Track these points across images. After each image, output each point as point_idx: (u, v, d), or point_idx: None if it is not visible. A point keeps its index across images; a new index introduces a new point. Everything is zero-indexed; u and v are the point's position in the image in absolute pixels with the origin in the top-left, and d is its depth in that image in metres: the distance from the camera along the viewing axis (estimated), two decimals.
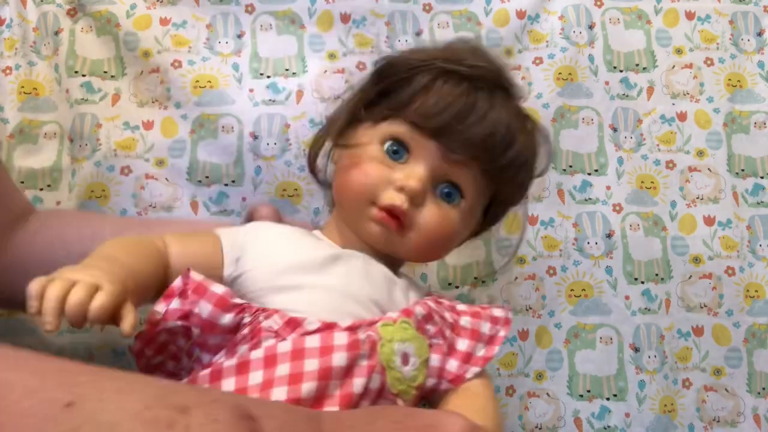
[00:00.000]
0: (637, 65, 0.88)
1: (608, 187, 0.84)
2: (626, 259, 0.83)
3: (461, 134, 0.53)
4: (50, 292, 0.40)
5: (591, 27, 0.87)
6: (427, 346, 0.51)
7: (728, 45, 0.89)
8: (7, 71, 0.78)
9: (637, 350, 0.80)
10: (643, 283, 0.82)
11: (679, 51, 0.88)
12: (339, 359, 0.46)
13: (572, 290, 0.82)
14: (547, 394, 0.80)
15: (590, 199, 0.84)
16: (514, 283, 0.81)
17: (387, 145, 0.56)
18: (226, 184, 0.80)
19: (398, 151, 0.56)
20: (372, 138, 0.57)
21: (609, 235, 0.83)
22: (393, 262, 0.59)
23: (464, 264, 0.81)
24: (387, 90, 0.58)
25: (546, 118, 0.84)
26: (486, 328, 0.54)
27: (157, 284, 0.51)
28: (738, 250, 0.84)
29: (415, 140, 0.55)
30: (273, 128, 0.81)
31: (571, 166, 0.85)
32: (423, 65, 0.57)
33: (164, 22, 0.82)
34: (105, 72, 0.81)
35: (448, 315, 0.54)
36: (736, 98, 0.88)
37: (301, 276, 0.53)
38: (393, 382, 0.48)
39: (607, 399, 0.80)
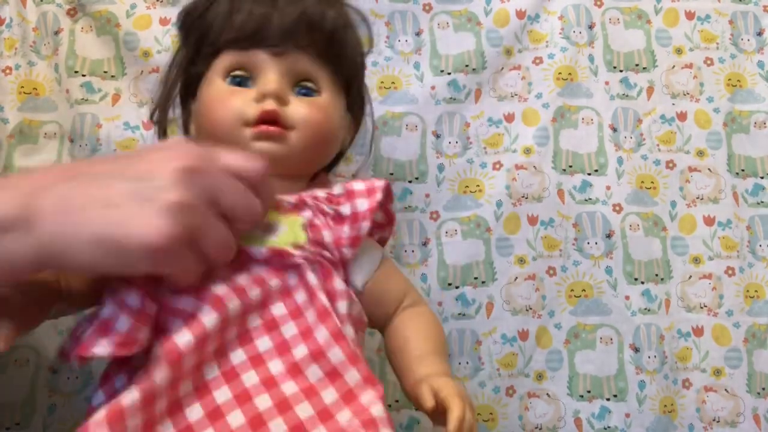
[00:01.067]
0: (637, 65, 0.88)
1: (608, 187, 0.84)
2: (626, 260, 0.83)
3: (278, 30, 0.55)
4: None
5: (591, 27, 0.87)
6: (299, 218, 0.51)
7: (728, 45, 0.89)
8: (7, 71, 0.78)
9: (637, 350, 0.80)
10: (643, 283, 0.82)
11: (679, 51, 0.88)
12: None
13: (572, 290, 0.82)
14: (547, 394, 0.80)
15: (590, 199, 0.84)
16: (514, 283, 0.81)
17: (228, 79, 0.57)
18: None
19: (240, 79, 0.56)
20: (211, 80, 0.57)
21: (609, 235, 0.83)
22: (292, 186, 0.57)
23: (464, 264, 0.81)
24: (199, 37, 0.60)
25: (546, 118, 0.84)
26: (361, 186, 0.53)
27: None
28: (738, 251, 0.84)
29: (247, 59, 0.56)
30: None
31: (570, 166, 0.85)
32: None
33: (164, 22, 0.82)
34: (105, 72, 0.81)
35: (321, 194, 0.54)
36: (736, 98, 0.88)
37: None
38: (254, 244, 0.48)
39: (607, 399, 0.80)
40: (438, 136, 0.84)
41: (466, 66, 0.85)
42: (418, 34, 0.86)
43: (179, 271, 0.42)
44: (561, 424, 0.79)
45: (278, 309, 0.47)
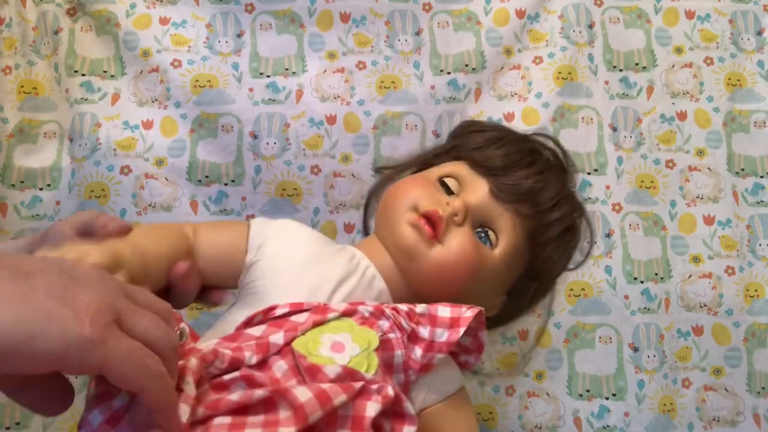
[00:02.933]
0: (637, 64, 0.88)
1: (608, 187, 0.84)
2: (626, 259, 0.83)
3: (513, 179, 0.55)
4: None
5: (591, 26, 0.87)
6: (376, 337, 0.47)
7: (728, 44, 0.89)
8: (7, 70, 0.78)
9: (636, 350, 0.80)
10: (642, 282, 0.82)
11: (678, 50, 0.88)
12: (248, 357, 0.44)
13: (572, 290, 0.82)
14: (547, 393, 0.80)
15: (590, 198, 0.84)
16: None
17: (442, 179, 0.58)
18: (226, 184, 0.80)
19: (450, 187, 0.57)
20: (430, 172, 0.60)
21: (608, 235, 0.83)
22: (398, 297, 0.55)
23: None
24: (456, 145, 0.63)
25: (546, 117, 0.84)
26: (446, 312, 0.49)
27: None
28: (738, 250, 0.84)
29: (469, 178, 0.57)
30: (273, 127, 0.81)
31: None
32: (493, 129, 0.62)
33: (164, 21, 0.82)
34: (105, 71, 0.81)
35: (403, 308, 0.51)
36: (736, 97, 0.87)
37: (305, 273, 0.53)
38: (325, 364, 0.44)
39: (607, 398, 0.80)
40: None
41: (466, 65, 0.85)
42: (417, 33, 0.85)
43: (123, 364, 0.33)
44: (560, 423, 0.79)
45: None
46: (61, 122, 0.79)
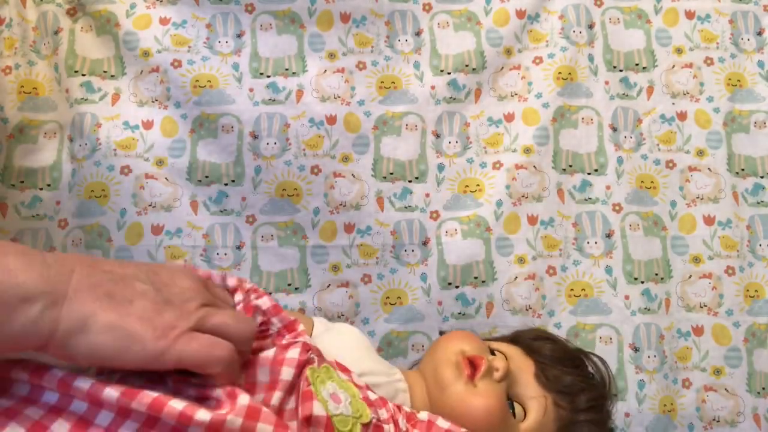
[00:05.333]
0: (637, 65, 0.88)
1: (608, 187, 0.84)
2: (626, 259, 0.83)
3: (559, 371, 0.60)
4: None
5: (591, 26, 0.87)
6: (369, 415, 0.49)
7: (728, 44, 0.89)
8: (7, 71, 0.78)
9: (636, 350, 0.80)
10: (642, 282, 0.82)
11: (679, 50, 0.88)
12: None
13: (572, 290, 0.82)
14: None
15: (590, 198, 0.84)
16: (513, 282, 0.81)
17: (493, 349, 0.63)
18: (226, 184, 0.80)
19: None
20: (486, 341, 0.65)
21: (609, 235, 0.83)
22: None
23: (464, 264, 0.81)
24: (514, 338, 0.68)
25: (546, 117, 0.84)
26: (445, 424, 0.53)
27: None
28: (738, 250, 0.84)
29: (518, 357, 0.61)
30: (273, 128, 0.81)
31: (570, 166, 0.85)
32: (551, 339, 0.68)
33: (164, 21, 0.82)
34: (105, 71, 0.81)
35: (406, 409, 0.54)
36: (736, 98, 0.88)
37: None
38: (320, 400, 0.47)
39: None
40: (438, 136, 0.84)
41: (466, 66, 0.85)
42: (418, 33, 0.85)
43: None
44: None
45: None
46: (61, 122, 0.79)
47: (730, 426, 0.80)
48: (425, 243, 0.82)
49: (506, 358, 0.61)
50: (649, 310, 0.82)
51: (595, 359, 0.68)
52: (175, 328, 0.42)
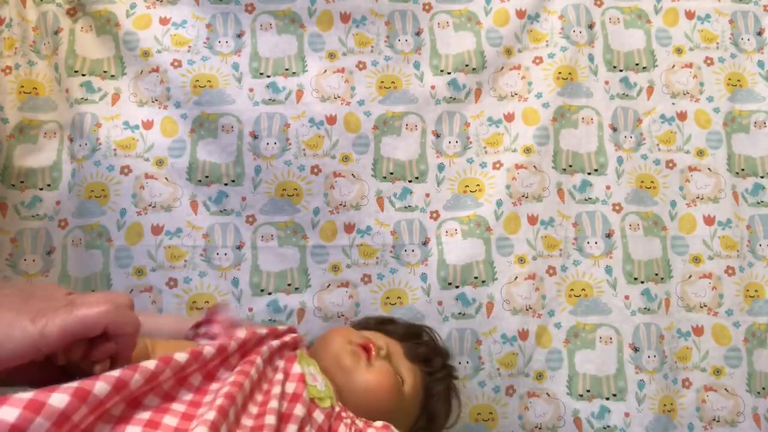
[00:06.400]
0: (637, 65, 0.88)
1: (608, 187, 0.84)
2: (626, 259, 0.83)
3: (415, 347, 0.70)
4: None
5: (591, 26, 0.87)
6: (333, 396, 0.58)
7: (728, 44, 0.89)
8: (7, 71, 0.78)
9: (636, 350, 0.80)
10: (642, 282, 0.82)
11: (679, 50, 0.88)
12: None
13: (572, 290, 0.82)
14: (547, 393, 0.80)
15: (590, 198, 0.84)
16: (513, 283, 0.81)
17: (366, 336, 0.69)
18: (226, 184, 0.80)
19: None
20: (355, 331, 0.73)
21: (609, 235, 0.83)
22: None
23: (464, 263, 0.81)
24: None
25: (546, 117, 0.84)
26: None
27: None
28: (738, 250, 0.84)
29: (383, 338, 0.70)
30: (273, 128, 0.81)
31: (570, 166, 0.85)
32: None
33: (164, 21, 0.82)
34: (105, 71, 0.81)
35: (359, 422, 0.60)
36: (736, 98, 0.87)
37: None
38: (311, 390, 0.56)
39: (607, 399, 0.80)
40: (438, 136, 0.84)
41: (466, 65, 0.85)
42: (418, 33, 0.85)
43: None
44: (560, 423, 0.79)
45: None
46: (61, 122, 0.79)
47: (730, 426, 0.80)
48: (425, 243, 0.82)
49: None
50: (649, 310, 0.82)
51: (427, 328, 0.78)
52: (46, 309, 0.44)
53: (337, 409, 0.58)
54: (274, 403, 0.51)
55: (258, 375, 0.53)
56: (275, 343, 0.59)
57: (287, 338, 0.61)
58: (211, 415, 0.44)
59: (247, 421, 0.48)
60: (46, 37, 0.80)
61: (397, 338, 0.71)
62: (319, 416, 0.55)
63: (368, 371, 0.64)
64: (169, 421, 0.44)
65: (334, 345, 0.67)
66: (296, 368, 0.57)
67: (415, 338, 0.74)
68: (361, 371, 0.64)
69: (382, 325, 0.75)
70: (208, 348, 0.51)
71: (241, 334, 0.56)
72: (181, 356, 0.48)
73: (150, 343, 0.55)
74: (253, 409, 0.50)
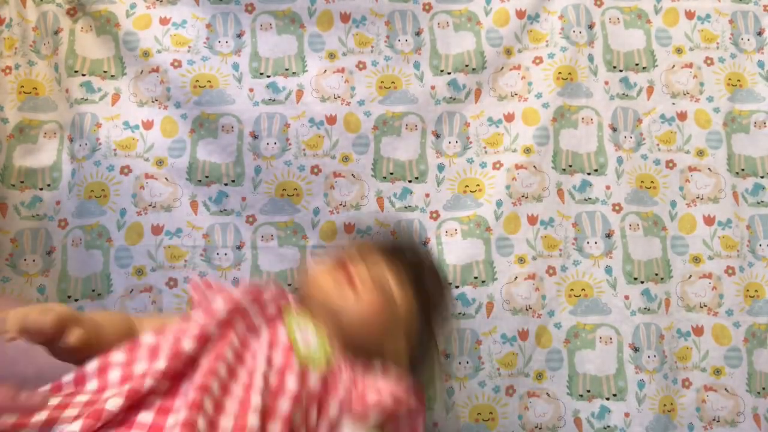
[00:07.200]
0: (637, 65, 0.88)
1: (608, 187, 0.84)
2: (626, 259, 0.83)
3: (399, 252, 0.67)
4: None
5: (591, 26, 0.87)
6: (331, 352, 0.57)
7: (728, 44, 0.89)
8: (7, 71, 0.78)
9: (636, 350, 0.80)
10: (642, 282, 0.82)
11: (679, 50, 0.88)
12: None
13: (572, 290, 0.82)
14: (547, 393, 0.80)
15: (590, 198, 0.84)
16: (514, 283, 0.81)
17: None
18: (226, 184, 0.80)
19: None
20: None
21: (609, 235, 0.83)
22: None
23: (464, 264, 0.81)
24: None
25: (546, 117, 0.84)
26: (389, 385, 0.57)
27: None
28: (738, 250, 0.84)
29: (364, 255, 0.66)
30: (273, 128, 0.81)
31: (570, 166, 0.85)
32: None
33: (164, 21, 0.82)
34: (105, 71, 0.81)
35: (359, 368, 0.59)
36: (736, 98, 0.87)
37: None
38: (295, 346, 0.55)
39: (607, 399, 0.80)
40: (438, 136, 0.84)
41: (466, 66, 0.85)
42: (418, 33, 0.85)
43: None
44: (561, 423, 0.79)
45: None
46: (61, 122, 0.79)
47: (730, 426, 0.80)
48: (425, 243, 0.81)
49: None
50: (649, 310, 0.82)
51: (402, 224, 0.76)
52: None
53: (334, 366, 0.56)
54: (259, 380, 0.50)
55: (235, 352, 0.52)
56: (254, 309, 0.57)
57: (267, 296, 0.59)
58: (182, 415, 0.45)
59: (231, 405, 0.48)
60: (46, 37, 0.80)
61: (377, 251, 0.68)
62: (314, 381, 0.53)
63: (357, 299, 0.62)
64: (144, 418, 0.46)
65: (317, 290, 0.64)
66: (282, 334, 0.56)
67: (397, 250, 0.69)
68: (352, 306, 0.62)
69: (361, 245, 0.71)
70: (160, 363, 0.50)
71: (219, 305, 0.55)
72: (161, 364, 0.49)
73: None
74: (238, 390, 0.50)
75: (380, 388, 0.56)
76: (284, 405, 0.50)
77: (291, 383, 0.51)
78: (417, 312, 0.67)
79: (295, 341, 0.56)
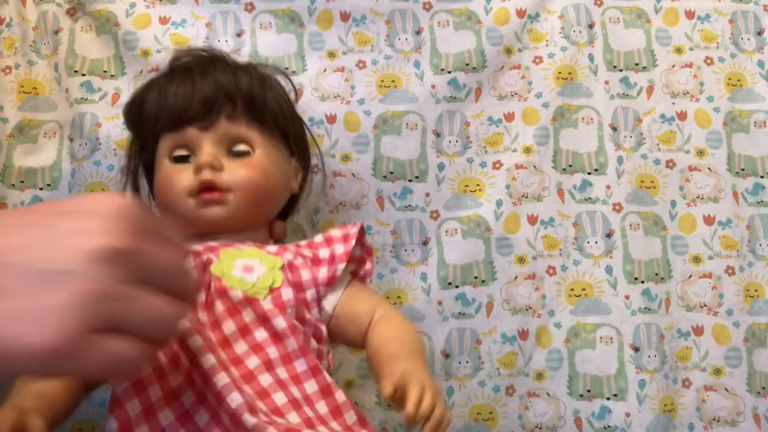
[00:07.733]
0: (637, 64, 0.88)
1: (608, 187, 0.84)
2: (626, 259, 0.83)
3: (199, 105, 0.62)
4: None
5: (591, 26, 0.87)
6: (281, 260, 0.57)
7: (728, 44, 0.89)
8: (7, 70, 0.78)
9: (637, 350, 0.80)
10: (643, 282, 0.82)
11: (679, 50, 0.88)
12: None
13: (572, 290, 0.82)
14: (547, 393, 0.80)
15: (590, 198, 0.84)
16: (514, 282, 0.81)
17: (172, 159, 0.63)
18: None
19: (181, 157, 0.63)
20: (160, 163, 0.64)
21: (609, 235, 0.83)
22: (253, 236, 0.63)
23: (464, 263, 0.81)
24: (142, 128, 0.67)
25: (546, 117, 0.84)
26: (338, 233, 0.61)
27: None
28: (738, 250, 0.84)
29: (182, 138, 0.62)
30: None
31: (570, 166, 0.85)
32: (143, 88, 0.67)
33: (164, 20, 0.82)
34: (105, 71, 0.81)
35: (303, 242, 0.62)
36: (736, 97, 0.87)
37: None
38: (234, 285, 0.54)
39: (607, 399, 0.80)
40: (438, 135, 0.84)
41: (467, 65, 0.85)
42: (418, 32, 0.85)
43: (101, 368, 0.32)
44: (561, 423, 0.79)
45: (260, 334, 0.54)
46: (61, 122, 0.79)
47: (730, 426, 0.80)
48: (425, 243, 0.81)
49: (186, 150, 0.63)
50: (649, 309, 0.82)
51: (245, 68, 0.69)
52: (68, 322, 0.30)
53: (284, 265, 0.56)
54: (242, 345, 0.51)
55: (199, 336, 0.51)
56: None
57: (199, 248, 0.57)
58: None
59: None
60: (46, 36, 0.80)
61: (179, 124, 0.63)
62: (268, 307, 0.53)
63: (237, 200, 0.60)
64: None
65: (191, 221, 0.60)
66: (209, 276, 0.54)
67: (186, 95, 0.64)
68: (236, 207, 0.60)
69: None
70: None
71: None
72: None
73: None
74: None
75: (327, 241, 0.59)
76: (241, 347, 0.52)
77: (228, 328, 0.52)
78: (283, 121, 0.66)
79: (229, 277, 0.55)
